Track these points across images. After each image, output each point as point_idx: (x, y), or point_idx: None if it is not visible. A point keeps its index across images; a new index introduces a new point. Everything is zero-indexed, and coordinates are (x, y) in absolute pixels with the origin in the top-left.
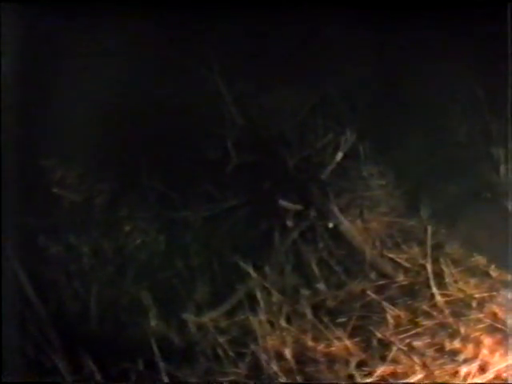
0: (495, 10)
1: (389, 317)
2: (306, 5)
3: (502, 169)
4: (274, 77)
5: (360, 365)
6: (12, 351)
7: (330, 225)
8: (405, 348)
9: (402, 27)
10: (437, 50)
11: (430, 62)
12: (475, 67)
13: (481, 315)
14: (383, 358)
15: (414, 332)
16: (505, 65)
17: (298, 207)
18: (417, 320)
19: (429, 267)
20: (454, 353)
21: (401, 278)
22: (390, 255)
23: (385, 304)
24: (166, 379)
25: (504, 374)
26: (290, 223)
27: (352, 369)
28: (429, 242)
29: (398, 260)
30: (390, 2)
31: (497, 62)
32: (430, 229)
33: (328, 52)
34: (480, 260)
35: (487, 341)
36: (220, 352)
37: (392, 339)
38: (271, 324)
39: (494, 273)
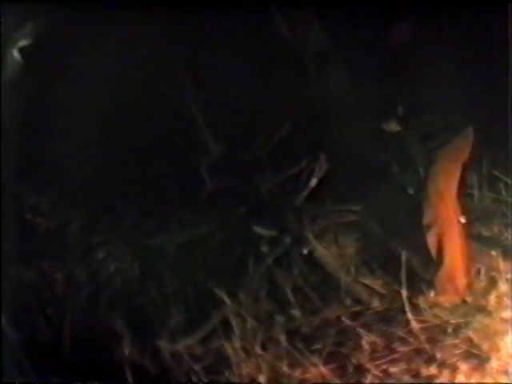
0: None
1: (364, 343)
2: (286, 26)
3: (476, 194)
4: (250, 102)
5: None
6: None
7: (305, 251)
8: (381, 374)
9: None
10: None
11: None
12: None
13: (456, 341)
14: None
15: (389, 358)
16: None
17: (273, 233)
18: (392, 346)
19: (404, 293)
20: (430, 378)
21: (376, 304)
22: (365, 281)
23: (360, 330)
24: None
25: None
26: (264, 249)
27: None
28: (403, 268)
29: (373, 286)
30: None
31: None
32: (404, 255)
33: (303, 77)
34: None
35: (463, 366)
36: (194, 379)
37: (368, 365)
38: (246, 351)
39: (469, 298)
